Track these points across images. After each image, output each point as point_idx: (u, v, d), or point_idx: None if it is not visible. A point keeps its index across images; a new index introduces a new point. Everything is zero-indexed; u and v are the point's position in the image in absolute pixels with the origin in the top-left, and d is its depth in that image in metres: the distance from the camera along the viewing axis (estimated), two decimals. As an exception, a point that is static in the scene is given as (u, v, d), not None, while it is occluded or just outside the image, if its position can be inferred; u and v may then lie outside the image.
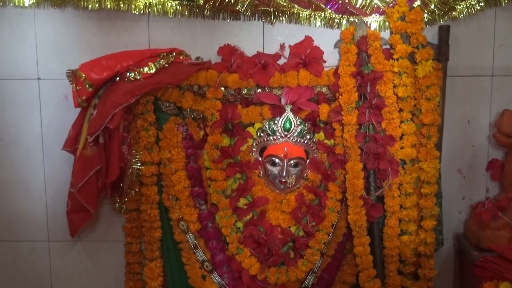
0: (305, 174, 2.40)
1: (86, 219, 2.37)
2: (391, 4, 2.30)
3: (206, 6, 2.29)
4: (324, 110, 2.30)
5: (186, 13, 2.33)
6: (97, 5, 2.30)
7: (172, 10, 2.33)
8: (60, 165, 2.47)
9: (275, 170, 2.35)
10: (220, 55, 2.37)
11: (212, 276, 2.45)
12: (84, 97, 2.17)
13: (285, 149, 2.34)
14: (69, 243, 2.56)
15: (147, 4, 2.31)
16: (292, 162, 2.34)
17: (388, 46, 2.31)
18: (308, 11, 2.32)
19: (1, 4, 2.30)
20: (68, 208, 2.35)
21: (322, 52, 2.34)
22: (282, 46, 2.37)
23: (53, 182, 2.51)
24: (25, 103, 2.44)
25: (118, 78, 2.19)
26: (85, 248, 2.59)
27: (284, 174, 2.33)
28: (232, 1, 2.25)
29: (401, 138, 2.30)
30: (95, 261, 2.60)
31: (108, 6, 2.30)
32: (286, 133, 2.33)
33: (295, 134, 2.34)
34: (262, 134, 2.37)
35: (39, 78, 2.43)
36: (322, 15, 2.33)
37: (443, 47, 2.30)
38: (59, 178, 2.48)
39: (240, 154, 2.39)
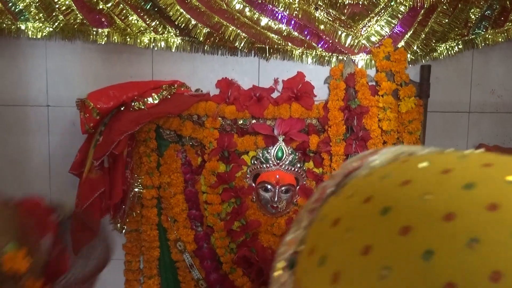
0: (295, 200, 2.53)
1: (90, 238, 2.48)
2: (377, 44, 2.45)
3: (207, 42, 2.42)
4: (314, 141, 2.44)
5: (188, 48, 2.47)
6: (105, 39, 2.43)
7: (175, 45, 2.46)
8: (65, 187, 2.57)
9: (267, 195, 2.48)
10: (218, 87, 2.51)
11: (207, 293, 2.58)
12: (91, 124, 2.28)
13: (277, 176, 2.47)
14: (72, 260, 2.66)
15: (152, 39, 2.45)
16: (283, 188, 2.47)
17: (374, 83, 2.45)
18: (300, 49, 2.47)
19: (15, 36, 2.43)
20: (72, 227, 2.46)
21: (313, 87, 2.47)
22: (276, 81, 2.50)
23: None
24: (34, 128, 2.56)
25: (123, 108, 2.32)
26: (87, 265, 2.69)
27: (275, 199, 2.46)
28: (230, 38, 2.39)
29: (384, 168, 2.43)
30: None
31: (116, 40, 2.43)
32: (278, 161, 2.48)
33: (286, 163, 2.48)
34: (256, 162, 2.50)
35: (48, 105, 2.55)
36: (314, 53, 2.47)
37: (425, 85, 2.44)
38: (64, 199, 2.54)
39: (235, 180, 2.51)
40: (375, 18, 2.43)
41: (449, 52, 2.49)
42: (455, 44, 2.49)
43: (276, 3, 2.37)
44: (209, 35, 2.40)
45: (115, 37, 2.44)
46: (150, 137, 2.46)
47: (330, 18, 2.42)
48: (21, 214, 1.40)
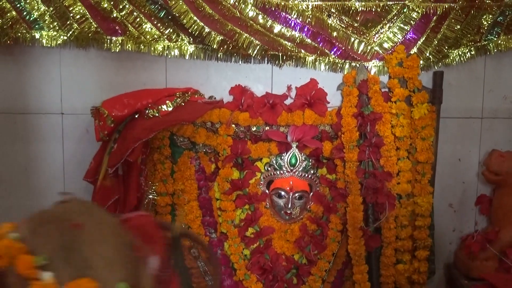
0: (308, 206, 2.54)
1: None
2: (390, 51, 2.45)
3: (220, 49, 2.43)
4: (327, 147, 2.45)
5: (201, 56, 2.48)
6: (119, 47, 2.44)
7: (188, 53, 2.47)
8: (79, 195, 2.50)
9: (281, 202, 2.50)
10: (232, 94, 2.51)
11: (221, 300, 2.58)
12: (105, 132, 2.29)
13: (291, 182, 2.49)
14: (86, 267, 2.66)
15: (166, 47, 2.45)
16: (297, 195, 2.49)
17: (386, 90, 2.46)
18: (313, 55, 2.47)
19: (30, 44, 2.43)
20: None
21: (326, 94, 2.48)
22: (289, 88, 2.51)
23: (72, 210, 2.62)
24: (48, 136, 2.57)
25: (137, 115, 2.31)
26: (101, 272, 2.69)
27: (289, 205, 2.48)
28: (244, 46, 2.40)
29: (397, 174, 2.43)
30: (110, 285, 2.70)
31: (130, 48, 2.44)
32: (291, 168, 2.48)
33: (300, 169, 2.49)
34: (269, 169, 2.51)
35: (62, 113, 2.56)
36: (326, 59, 2.47)
37: (437, 91, 2.45)
38: (78, 206, 2.59)
39: (248, 186, 2.52)
40: (388, 25, 2.44)
41: (462, 58, 2.49)
42: (467, 50, 2.49)
43: (289, 11, 2.38)
44: (222, 42, 2.41)
45: (129, 45, 2.44)
46: (164, 144, 2.47)
47: (343, 25, 2.42)
48: (131, 231, 1.36)
